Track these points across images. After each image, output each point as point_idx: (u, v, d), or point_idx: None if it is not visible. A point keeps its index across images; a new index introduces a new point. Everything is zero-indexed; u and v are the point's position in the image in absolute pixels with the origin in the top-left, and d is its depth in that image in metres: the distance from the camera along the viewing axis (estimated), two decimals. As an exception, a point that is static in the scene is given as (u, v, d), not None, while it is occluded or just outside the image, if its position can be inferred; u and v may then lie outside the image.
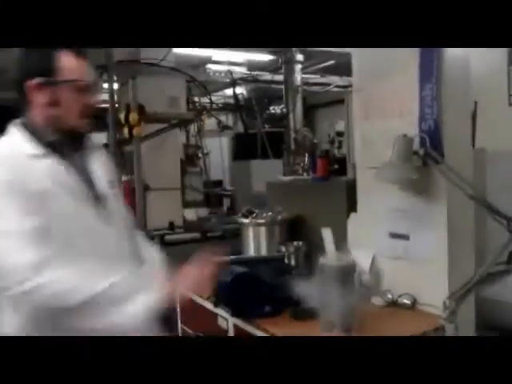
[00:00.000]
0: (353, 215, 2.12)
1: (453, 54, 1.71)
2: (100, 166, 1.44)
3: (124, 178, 3.86)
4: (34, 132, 1.33)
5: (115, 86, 3.94)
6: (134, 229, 1.59)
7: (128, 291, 1.25)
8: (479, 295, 1.92)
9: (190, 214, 4.24)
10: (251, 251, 2.42)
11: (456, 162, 1.65)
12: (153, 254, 1.62)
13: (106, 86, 3.98)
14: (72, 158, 1.37)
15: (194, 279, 1.36)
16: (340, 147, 4.01)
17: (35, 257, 1.19)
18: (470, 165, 1.78)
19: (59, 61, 1.31)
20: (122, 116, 3.29)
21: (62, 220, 1.28)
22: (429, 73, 1.70)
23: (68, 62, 1.32)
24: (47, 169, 1.30)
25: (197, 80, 4.03)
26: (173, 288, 1.32)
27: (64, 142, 1.36)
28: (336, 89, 5.36)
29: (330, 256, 1.59)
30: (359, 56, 2.01)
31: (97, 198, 1.38)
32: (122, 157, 4.01)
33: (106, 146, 4.59)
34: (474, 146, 1.97)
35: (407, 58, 1.76)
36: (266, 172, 3.81)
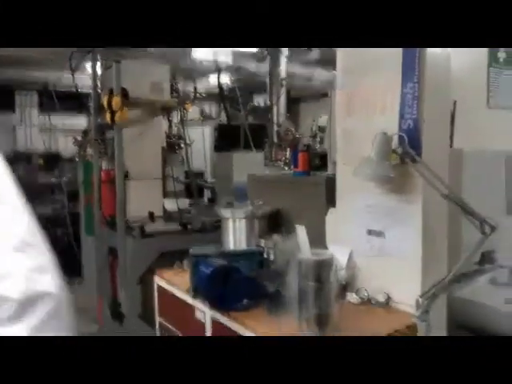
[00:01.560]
0: (331, 211, 2.14)
1: (434, 54, 1.73)
2: None
3: (104, 165, 3.82)
4: None
5: (99, 70, 3.89)
6: None
7: None
8: (452, 295, 1.96)
9: (171, 205, 4.22)
10: (231, 244, 2.43)
11: (433, 161, 1.68)
12: None
13: (89, 69, 3.93)
14: None
15: None
16: (322, 142, 4.02)
17: None
18: (446, 164, 1.81)
19: None
20: (104, 100, 3.24)
21: None
22: (410, 71, 1.72)
23: None
24: None
25: (182, 68, 4.00)
26: None
27: None
28: (320, 82, 5.37)
29: (304, 253, 1.60)
30: (343, 52, 2.02)
31: None
32: (103, 143, 3.97)
33: (85, 132, 4.55)
34: (451, 145, 2.00)
35: (391, 56, 1.77)
36: (248, 164, 3.82)
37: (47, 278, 0.90)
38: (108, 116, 3.26)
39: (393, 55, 1.76)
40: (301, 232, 1.63)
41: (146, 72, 3.65)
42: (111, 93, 3.25)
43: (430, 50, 1.72)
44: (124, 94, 3.26)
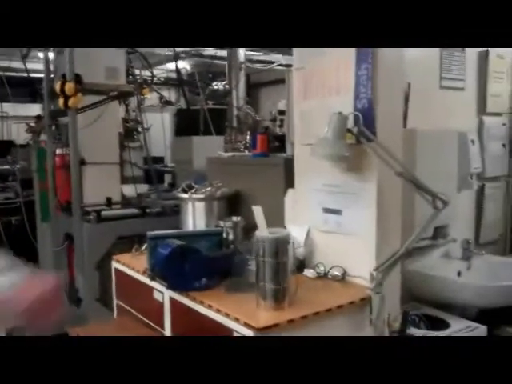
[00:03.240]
0: (290, 191, 2.16)
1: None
2: None
3: (59, 151, 3.73)
4: None
5: (51, 54, 3.78)
6: None
7: None
8: (406, 268, 2.02)
9: (129, 190, 4.16)
10: (190, 226, 2.43)
11: (387, 140, 1.72)
12: None
13: (41, 54, 3.81)
14: None
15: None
16: (281, 125, 4.04)
17: None
18: (400, 144, 1.85)
19: None
20: (57, 86, 3.15)
21: None
22: (365, 53, 1.75)
23: None
24: None
25: (138, 52, 3.92)
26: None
27: None
28: (279, 67, 5.38)
29: (261, 231, 1.62)
30: (299, 33, 2.02)
31: None
32: (57, 129, 3.87)
33: (38, 117, 4.41)
34: (405, 125, 2.04)
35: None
36: (208, 148, 3.79)
37: None
38: (61, 102, 3.17)
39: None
40: (258, 212, 1.64)
41: (100, 57, 3.56)
42: (64, 78, 3.16)
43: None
44: (77, 79, 3.17)
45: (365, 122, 1.70)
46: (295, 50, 2.08)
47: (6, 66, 5.73)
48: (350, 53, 1.78)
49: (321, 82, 1.92)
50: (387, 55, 1.76)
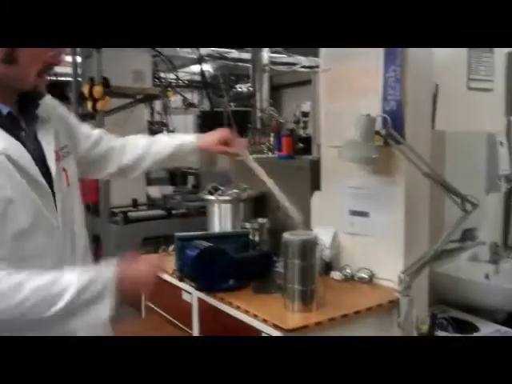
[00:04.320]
0: (316, 193, 2.16)
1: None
2: (49, 139, 1.25)
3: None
4: None
5: (79, 58, 3.86)
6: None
7: (93, 296, 1.13)
8: (434, 271, 2.01)
9: (154, 192, 4.22)
10: (216, 227, 2.44)
11: (416, 142, 1.71)
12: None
13: (69, 58, 3.88)
14: (20, 127, 1.20)
15: (142, 276, 1.23)
16: (305, 127, 4.04)
17: None
18: (429, 146, 1.85)
19: None
20: (85, 89, 3.22)
21: (8, 201, 1.10)
22: (393, 55, 1.74)
23: None
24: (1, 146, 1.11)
25: (163, 55, 3.98)
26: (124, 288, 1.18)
27: (13, 116, 1.17)
28: (302, 69, 5.38)
29: (283, 202, 1.73)
30: (326, 36, 2.03)
31: (46, 176, 1.20)
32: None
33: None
34: (433, 127, 2.03)
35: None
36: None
37: None
38: (90, 105, 3.23)
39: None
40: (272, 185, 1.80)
41: (127, 60, 3.62)
42: (92, 81, 3.22)
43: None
44: (105, 82, 3.23)
45: (393, 124, 1.69)
46: (322, 52, 2.08)
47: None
48: (378, 55, 1.78)
49: (348, 84, 1.93)
50: (416, 57, 1.76)
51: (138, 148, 1.62)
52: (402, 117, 1.73)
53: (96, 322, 1.16)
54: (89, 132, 1.53)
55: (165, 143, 1.66)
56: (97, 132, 1.57)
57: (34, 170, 1.16)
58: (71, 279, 1.12)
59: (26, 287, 1.07)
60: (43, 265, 1.16)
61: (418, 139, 1.76)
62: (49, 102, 1.32)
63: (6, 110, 1.15)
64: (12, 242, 1.11)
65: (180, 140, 1.67)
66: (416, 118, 1.80)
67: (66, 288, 1.10)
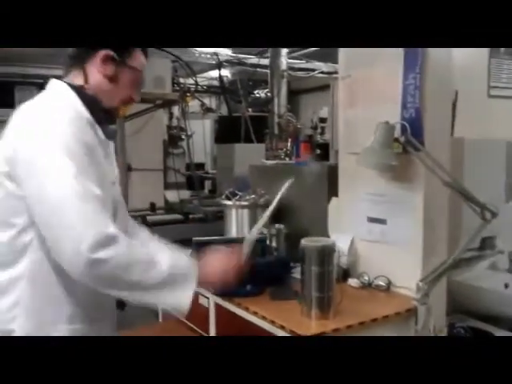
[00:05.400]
0: (334, 199, 2.16)
1: (436, 44, 1.75)
2: (113, 155, 1.52)
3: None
4: (87, 99, 1.36)
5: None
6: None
7: (182, 275, 1.30)
8: (452, 279, 1.99)
9: (172, 196, 4.24)
10: (233, 232, 2.46)
11: (435, 149, 1.71)
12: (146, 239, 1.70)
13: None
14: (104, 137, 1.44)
15: (222, 269, 1.41)
16: (322, 133, 4.05)
17: (111, 224, 1.21)
18: (448, 153, 1.84)
19: (134, 49, 1.41)
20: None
21: (107, 191, 1.33)
22: (413, 62, 1.74)
23: (139, 53, 1.43)
24: (99, 139, 1.37)
25: (182, 60, 4.01)
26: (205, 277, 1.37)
27: (104, 119, 1.40)
28: (320, 75, 5.37)
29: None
30: (345, 43, 2.04)
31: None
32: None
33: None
34: (452, 134, 2.02)
35: (392, 47, 1.80)
36: (249, 156, 3.83)
37: None
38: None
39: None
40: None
41: (148, 67, 3.66)
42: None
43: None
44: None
45: (412, 131, 1.69)
46: (341, 59, 2.09)
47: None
48: (397, 62, 1.78)
49: (367, 91, 1.93)
50: (436, 64, 1.75)
51: None
52: (421, 124, 1.72)
53: (182, 302, 1.29)
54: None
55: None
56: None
57: (113, 162, 1.47)
58: (163, 252, 1.33)
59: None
60: None
61: (436, 146, 1.75)
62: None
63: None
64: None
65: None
66: (435, 125, 1.79)
67: (160, 260, 1.27)
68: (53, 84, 1.38)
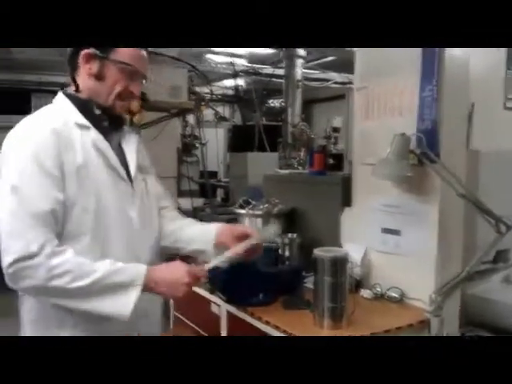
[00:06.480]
0: (347, 210, 2.16)
1: (453, 56, 1.76)
2: (132, 150, 1.50)
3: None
4: (79, 103, 1.39)
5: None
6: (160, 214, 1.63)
7: (123, 281, 1.28)
8: (466, 292, 1.98)
9: (186, 203, 4.27)
10: (246, 241, 2.46)
11: (450, 161, 1.70)
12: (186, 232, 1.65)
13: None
14: (110, 135, 1.43)
15: (173, 282, 1.35)
16: (336, 143, 4.05)
17: (39, 240, 1.22)
18: (463, 165, 1.83)
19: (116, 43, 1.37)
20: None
21: (97, 191, 1.33)
22: (430, 74, 1.75)
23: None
24: (91, 140, 1.36)
25: (199, 70, 4.05)
26: (153, 286, 1.33)
27: (105, 118, 1.41)
28: (334, 85, 5.39)
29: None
30: (362, 54, 2.05)
31: (128, 177, 1.44)
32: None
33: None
34: (468, 146, 2.01)
35: (409, 58, 1.81)
36: (262, 164, 3.85)
37: None
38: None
39: (410, 58, 1.80)
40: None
41: (165, 76, 3.71)
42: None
43: (449, 53, 1.74)
44: (143, 97, 3.30)
45: (428, 143, 1.69)
46: (357, 70, 2.10)
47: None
48: (413, 74, 1.79)
49: (383, 103, 1.93)
50: (452, 76, 1.76)
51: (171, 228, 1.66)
52: (437, 136, 1.72)
53: (122, 309, 1.27)
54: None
55: (191, 231, 1.66)
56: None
57: (115, 161, 1.40)
58: (105, 264, 1.27)
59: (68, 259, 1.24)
60: (111, 248, 1.35)
61: (452, 158, 1.75)
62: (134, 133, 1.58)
63: (98, 111, 1.41)
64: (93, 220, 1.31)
65: (201, 229, 1.66)
66: (451, 137, 1.79)
67: (96, 269, 1.25)
68: (57, 95, 1.43)
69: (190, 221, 1.71)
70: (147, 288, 1.31)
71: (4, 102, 5.98)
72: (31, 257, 1.20)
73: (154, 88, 3.50)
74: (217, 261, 1.49)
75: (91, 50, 1.35)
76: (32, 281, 1.21)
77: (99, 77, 1.38)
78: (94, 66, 1.37)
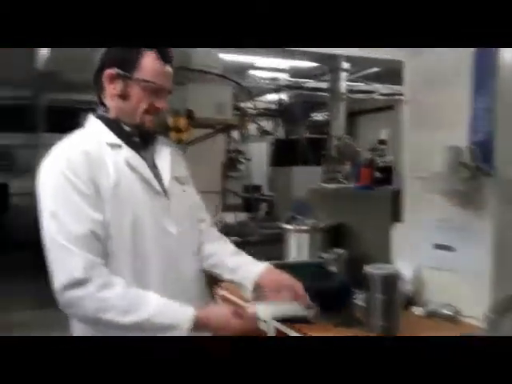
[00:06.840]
0: (398, 225, 2.11)
1: (508, 66, 1.70)
2: (167, 163, 1.49)
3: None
4: (108, 123, 1.41)
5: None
6: (199, 227, 1.62)
7: (168, 320, 1.27)
8: (525, 311, 1.89)
9: (230, 218, 4.29)
10: (293, 257, 2.45)
11: (506, 175, 1.64)
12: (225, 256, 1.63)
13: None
14: (142, 150, 1.44)
15: (222, 323, 1.34)
16: (382, 155, 3.98)
17: (81, 266, 1.23)
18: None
19: (140, 58, 1.37)
20: (169, 121, 3.36)
21: (133, 208, 1.34)
22: (482, 85, 1.70)
23: (148, 63, 1.37)
24: (124, 158, 1.37)
25: (244, 86, 4.09)
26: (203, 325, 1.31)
27: (135, 134, 1.43)
28: (380, 97, 5.33)
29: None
30: (411, 65, 2.02)
31: (163, 191, 1.43)
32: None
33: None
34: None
35: (460, 68, 1.76)
36: (307, 178, 3.83)
37: None
38: (174, 135, 3.36)
39: (461, 67, 1.76)
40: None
41: (210, 93, 3.76)
42: (177, 114, 3.36)
43: (504, 62, 1.68)
44: (190, 114, 3.36)
45: (482, 155, 1.64)
46: (406, 81, 2.06)
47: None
48: (465, 84, 1.74)
49: (433, 115, 1.89)
50: (507, 86, 1.70)
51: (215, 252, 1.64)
52: (492, 148, 1.66)
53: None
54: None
55: (235, 261, 1.63)
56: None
57: (149, 175, 1.40)
58: (155, 298, 1.27)
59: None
60: (151, 264, 1.35)
61: (508, 172, 1.68)
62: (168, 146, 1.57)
63: (128, 128, 1.42)
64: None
65: (245, 263, 1.63)
66: (506, 149, 1.72)
67: (147, 304, 1.25)
68: (87, 117, 1.46)
69: (233, 249, 1.68)
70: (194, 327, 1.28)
71: (64, 121, 6.21)
72: (78, 284, 1.21)
73: (199, 104, 3.58)
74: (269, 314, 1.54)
75: (114, 70, 1.36)
76: (81, 310, 1.23)
77: (123, 96, 1.38)
78: (118, 86, 1.38)
